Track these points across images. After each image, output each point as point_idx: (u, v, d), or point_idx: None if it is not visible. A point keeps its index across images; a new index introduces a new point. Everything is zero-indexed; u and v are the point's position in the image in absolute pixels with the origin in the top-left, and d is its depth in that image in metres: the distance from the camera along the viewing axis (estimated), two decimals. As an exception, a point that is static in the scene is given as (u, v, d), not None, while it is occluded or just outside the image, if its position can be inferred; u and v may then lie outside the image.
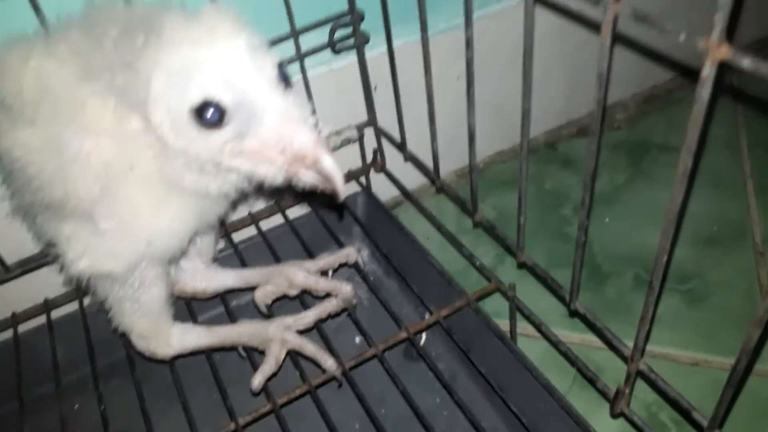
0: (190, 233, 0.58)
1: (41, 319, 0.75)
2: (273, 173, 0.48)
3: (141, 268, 0.58)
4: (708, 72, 0.34)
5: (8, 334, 0.74)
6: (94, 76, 0.47)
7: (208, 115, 0.44)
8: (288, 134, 0.46)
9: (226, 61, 0.44)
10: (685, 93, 1.12)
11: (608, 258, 0.87)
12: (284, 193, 0.83)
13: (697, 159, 0.38)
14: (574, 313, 0.58)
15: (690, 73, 1.06)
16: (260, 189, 0.53)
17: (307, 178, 0.48)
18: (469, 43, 0.55)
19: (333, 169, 0.46)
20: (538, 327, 0.65)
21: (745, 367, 0.40)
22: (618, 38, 0.98)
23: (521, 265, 0.65)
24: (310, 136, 0.46)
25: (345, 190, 0.48)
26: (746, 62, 0.32)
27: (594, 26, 0.93)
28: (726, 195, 0.94)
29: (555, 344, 0.63)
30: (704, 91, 0.35)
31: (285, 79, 0.48)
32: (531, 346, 0.74)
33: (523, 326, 0.75)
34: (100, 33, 0.48)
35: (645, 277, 0.83)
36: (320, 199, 0.50)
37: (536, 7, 0.48)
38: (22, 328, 0.75)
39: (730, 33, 0.32)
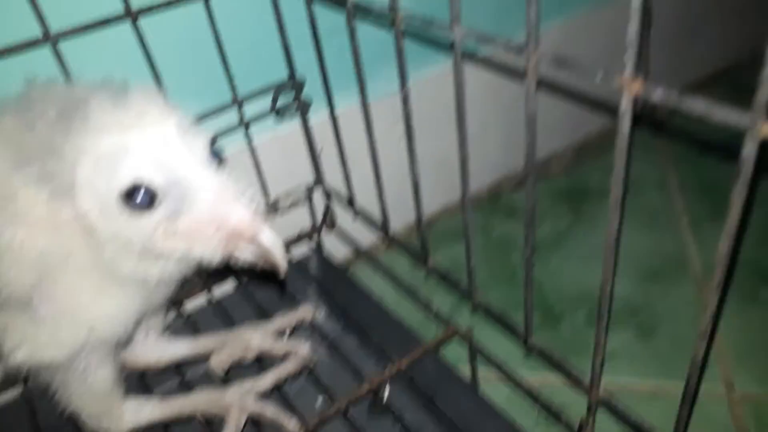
0: (137, 317, 0.56)
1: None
2: (210, 252, 0.47)
3: (85, 353, 0.55)
4: (625, 107, 0.37)
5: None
6: (28, 163, 0.46)
7: (139, 197, 0.44)
8: (223, 211, 0.45)
9: (156, 143, 0.44)
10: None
11: (560, 299, 0.90)
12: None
13: (625, 188, 0.40)
14: (530, 349, 0.60)
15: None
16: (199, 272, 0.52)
17: (245, 254, 0.46)
18: (405, 101, 0.57)
19: (272, 242, 0.45)
20: (498, 367, 0.66)
21: (697, 382, 0.42)
22: (549, 89, 1.04)
23: (476, 308, 0.66)
24: (246, 211, 0.45)
25: (285, 264, 0.47)
26: (658, 95, 0.35)
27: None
28: (663, 232, 0.99)
29: (517, 383, 0.64)
30: (624, 125, 0.38)
31: (218, 157, 0.48)
32: (494, 390, 0.74)
33: (485, 372, 0.76)
34: (34, 116, 0.47)
35: (595, 315, 0.85)
36: (260, 276, 0.49)
37: (466, 64, 0.51)
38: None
39: (648, 70, 0.36)
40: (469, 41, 0.46)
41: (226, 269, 0.49)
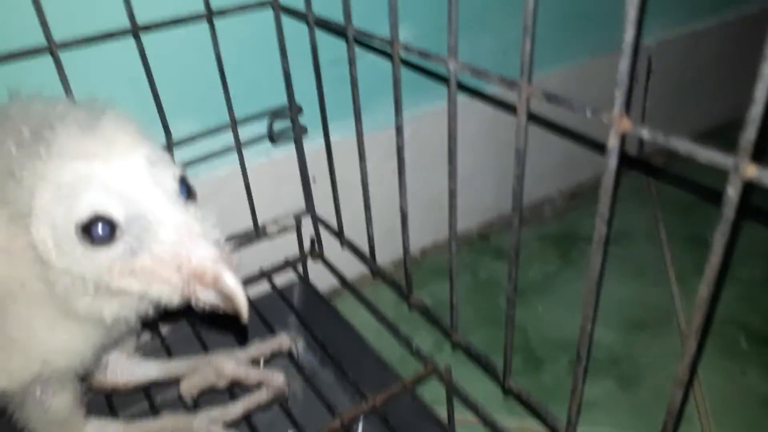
0: (95, 351, 0.53)
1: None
2: (168, 293, 0.43)
3: (40, 383, 0.53)
4: (613, 143, 0.37)
5: None
6: None
7: (98, 231, 0.41)
8: (185, 250, 0.41)
9: (121, 174, 0.41)
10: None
11: (543, 344, 0.88)
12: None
13: (609, 226, 0.40)
14: (508, 391, 0.58)
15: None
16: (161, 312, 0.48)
17: (206, 297, 0.43)
18: (399, 131, 0.57)
19: (235, 287, 0.41)
20: (474, 410, 0.64)
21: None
22: (541, 126, 1.05)
23: (455, 346, 0.65)
24: (209, 251, 0.42)
25: (247, 310, 0.43)
26: (645, 133, 0.35)
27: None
28: (650, 283, 0.98)
29: (493, 427, 0.62)
30: (611, 160, 0.38)
31: (188, 192, 0.45)
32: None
33: (462, 413, 0.74)
34: (6, 133, 0.45)
35: (579, 363, 0.84)
36: (220, 320, 0.46)
37: (463, 104, 0.51)
38: None
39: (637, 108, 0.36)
40: (465, 75, 0.46)
41: (182, 310, 0.46)
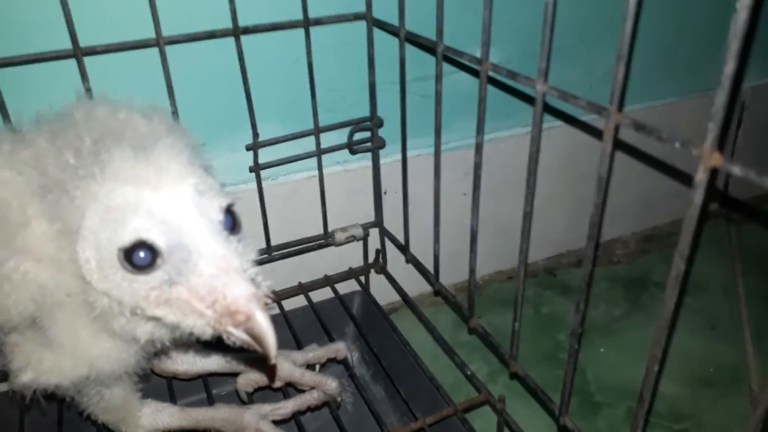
0: (138, 357, 0.54)
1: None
2: (200, 326, 0.43)
3: (91, 382, 0.54)
4: (701, 177, 0.36)
5: (-21, 394, 0.72)
6: (45, 193, 0.45)
7: (139, 257, 0.41)
8: (221, 285, 0.41)
9: (167, 203, 0.41)
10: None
11: (602, 388, 0.85)
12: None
13: (689, 266, 0.39)
14: (563, 429, 0.56)
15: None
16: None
17: (238, 335, 0.42)
18: (479, 148, 0.57)
19: (265, 329, 0.41)
20: (525, 444, 0.63)
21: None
22: (620, 173, 1.03)
23: (513, 376, 0.64)
24: (245, 290, 0.41)
25: (275, 352, 0.42)
26: (736, 170, 0.34)
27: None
28: (722, 339, 0.93)
29: (542, 463, 0.60)
30: (697, 195, 0.37)
31: (233, 223, 0.45)
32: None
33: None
34: (67, 142, 0.46)
35: (639, 411, 0.81)
36: (251, 360, 0.44)
37: (544, 133, 0.50)
38: (-5, 391, 0.72)
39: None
40: (552, 98, 0.46)
41: (216, 343, 0.45)
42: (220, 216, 0.43)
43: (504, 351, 0.65)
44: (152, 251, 0.41)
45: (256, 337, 0.42)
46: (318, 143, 0.79)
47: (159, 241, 0.41)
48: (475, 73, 0.83)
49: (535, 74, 0.47)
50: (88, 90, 0.65)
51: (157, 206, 0.41)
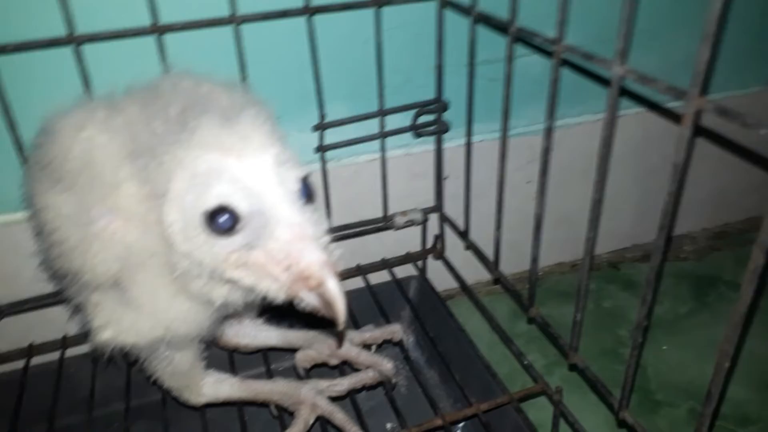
0: (214, 321, 0.57)
1: (88, 347, 0.76)
2: (274, 290, 0.45)
3: (165, 343, 0.57)
4: (790, 167, 0.34)
5: (55, 356, 0.76)
6: (137, 157, 0.47)
7: (221, 220, 0.43)
8: (296, 251, 0.43)
9: (250, 171, 0.43)
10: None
11: (663, 386, 0.82)
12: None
13: (770, 261, 0.37)
14: (622, 423, 0.55)
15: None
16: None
17: (309, 299, 0.45)
18: (548, 132, 0.56)
19: (337, 294, 0.43)
20: (582, 437, 0.61)
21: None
22: (693, 166, 0.98)
23: (572, 367, 0.63)
24: (318, 256, 0.43)
25: (345, 318, 0.44)
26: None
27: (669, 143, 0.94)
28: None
29: (599, 458, 0.59)
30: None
31: (308, 195, 0.46)
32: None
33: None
34: (156, 111, 0.49)
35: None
36: (321, 322, 0.47)
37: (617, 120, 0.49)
38: (69, 353, 0.76)
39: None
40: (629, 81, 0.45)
41: (287, 308, 0.47)
42: (296, 186, 0.45)
43: (564, 342, 0.64)
44: (234, 216, 0.43)
45: (327, 302, 0.44)
46: (382, 125, 0.80)
47: (241, 206, 0.43)
48: (547, 55, 0.81)
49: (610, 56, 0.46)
50: (166, 66, 0.67)
51: (240, 173, 0.43)
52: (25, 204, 0.56)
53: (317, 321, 0.47)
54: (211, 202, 0.43)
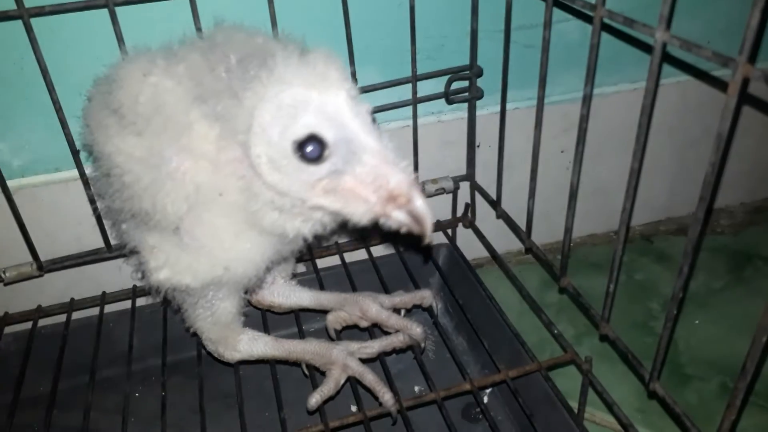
0: (268, 263, 0.59)
1: (127, 304, 0.79)
2: (362, 212, 0.48)
3: (217, 287, 0.60)
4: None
5: (95, 311, 0.78)
6: (204, 100, 0.50)
7: (309, 149, 0.46)
8: (384, 173, 0.47)
9: (332, 102, 0.46)
10: (800, 211, 1.07)
11: (693, 360, 0.82)
12: (370, 232, 0.84)
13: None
14: (652, 395, 0.55)
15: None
16: (344, 227, 0.54)
17: (397, 218, 0.48)
18: (586, 99, 0.55)
19: (424, 211, 0.47)
20: (610, 407, 0.62)
21: None
22: (737, 137, 0.96)
23: (603, 338, 0.63)
24: (405, 177, 0.47)
25: (432, 232, 0.48)
26: None
27: (710, 120, 0.91)
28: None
29: (626, 427, 0.59)
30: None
31: (377, 126, 0.49)
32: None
33: (590, 411, 0.71)
34: (217, 59, 0.51)
35: (732, 388, 0.77)
36: (405, 240, 0.50)
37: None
38: (108, 309, 0.79)
39: None
40: (673, 48, 0.43)
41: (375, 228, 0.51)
42: (369, 117, 0.48)
43: (595, 312, 0.64)
44: (321, 145, 0.46)
45: (415, 217, 0.47)
46: (414, 91, 0.79)
47: (327, 135, 0.46)
48: (587, 20, 0.79)
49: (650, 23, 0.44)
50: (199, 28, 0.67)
51: (324, 105, 0.46)
52: (86, 151, 0.58)
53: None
54: (301, 132, 0.46)
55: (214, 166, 0.51)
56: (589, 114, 0.56)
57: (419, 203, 0.47)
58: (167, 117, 0.50)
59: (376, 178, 0.47)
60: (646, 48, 0.46)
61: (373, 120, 0.49)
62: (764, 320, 0.41)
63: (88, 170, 0.71)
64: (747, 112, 0.95)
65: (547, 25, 0.60)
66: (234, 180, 0.51)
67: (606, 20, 0.50)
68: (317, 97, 0.46)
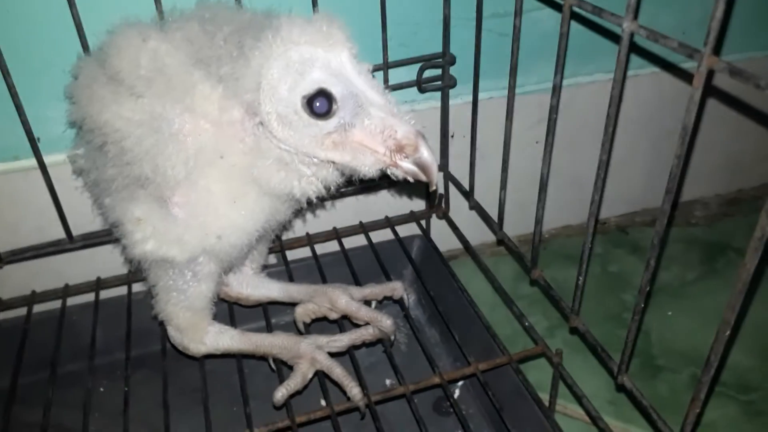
0: (258, 233, 0.60)
1: (90, 297, 0.77)
2: (371, 163, 0.51)
3: (199, 263, 0.59)
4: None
5: (57, 304, 0.76)
6: (204, 64, 0.51)
7: (317, 104, 0.48)
8: (391, 125, 0.49)
9: (338, 60, 0.49)
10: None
11: (665, 352, 0.82)
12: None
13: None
14: (620, 388, 0.55)
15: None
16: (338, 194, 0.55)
17: (405, 167, 0.50)
18: (555, 90, 0.54)
19: (431, 158, 0.50)
20: (579, 399, 0.61)
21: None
22: (706, 130, 0.96)
23: (573, 330, 0.62)
24: (411, 128, 0.50)
25: (436, 179, 0.51)
26: None
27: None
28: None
29: (594, 420, 0.59)
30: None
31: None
32: (567, 424, 0.70)
33: (561, 404, 0.71)
34: (213, 29, 0.53)
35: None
36: (407, 185, 0.52)
37: (627, 81, 0.47)
38: (71, 301, 0.77)
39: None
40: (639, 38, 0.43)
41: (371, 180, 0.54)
42: (371, 75, 0.51)
43: (565, 305, 0.63)
44: (329, 99, 0.49)
45: (422, 166, 0.50)
46: (386, 79, 0.77)
47: (335, 90, 0.49)
48: (558, 8, 0.77)
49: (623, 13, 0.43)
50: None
51: (330, 62, 0.49)
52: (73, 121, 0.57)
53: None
54: (309, 87, 0.48)
55: (216, 128, 0.52)
56: (559, 104, 0.55)
57: (425, 152, 0.49)
58: (169, 78, 0.51)
59: (384, 129, 0.49)
60: (617, 38, 0.45)
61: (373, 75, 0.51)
62: (727, 315, 0.40)
63: (47, 158, 0.69)
64: (720, 104, 0.95)
65: (518, 13, 0.59)
66: (235, 143, 0.52)
67: (575, 9, 0.49)
68: (323, 54, 0.48)
